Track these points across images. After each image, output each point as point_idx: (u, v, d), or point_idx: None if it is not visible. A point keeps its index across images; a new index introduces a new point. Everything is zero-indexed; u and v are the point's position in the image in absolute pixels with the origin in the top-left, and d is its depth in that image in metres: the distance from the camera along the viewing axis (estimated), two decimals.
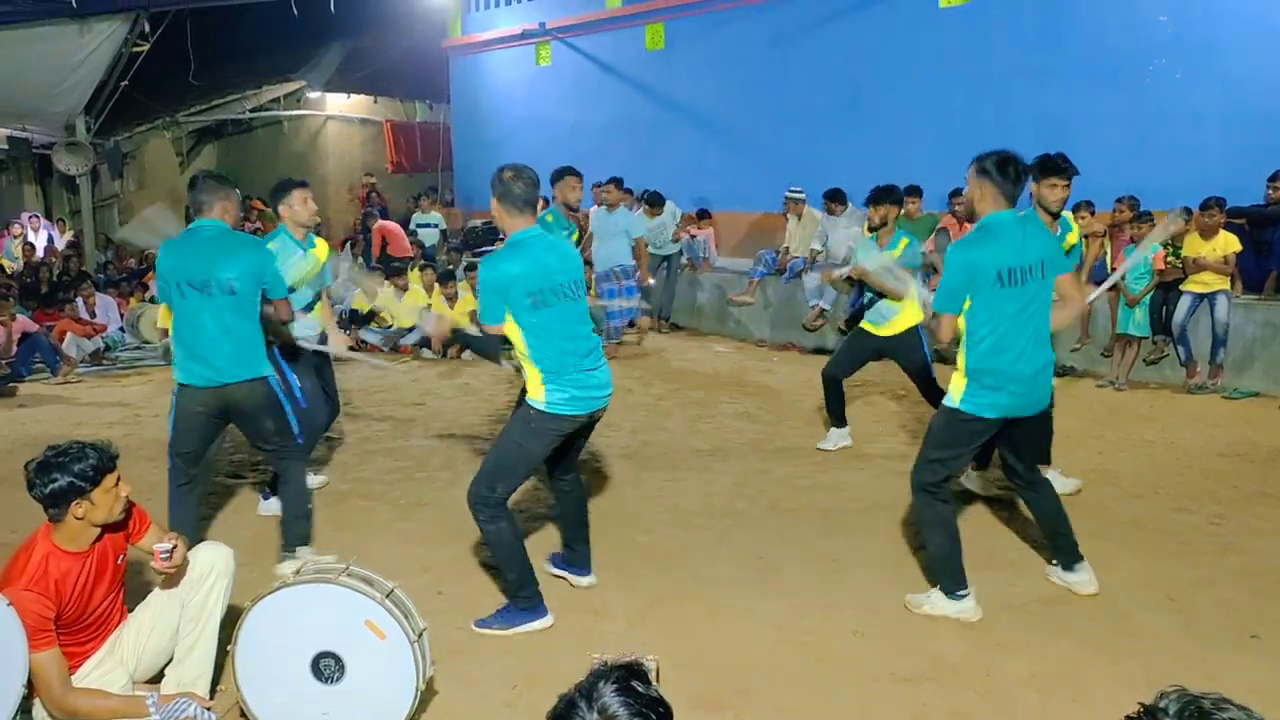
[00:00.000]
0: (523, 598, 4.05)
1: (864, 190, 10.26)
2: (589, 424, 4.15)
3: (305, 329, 5.38)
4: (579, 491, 4.50)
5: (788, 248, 11.26)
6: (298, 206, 5.36)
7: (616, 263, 9.73)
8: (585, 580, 4.46)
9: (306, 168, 19.31)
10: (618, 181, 10.38)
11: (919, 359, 6.14)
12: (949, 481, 4.26)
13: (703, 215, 12.05)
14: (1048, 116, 10.13)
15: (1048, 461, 5.17)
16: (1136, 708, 1.60)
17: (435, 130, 18.66)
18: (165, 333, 10.47)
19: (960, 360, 4.02)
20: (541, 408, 3.91)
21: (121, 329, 11.52)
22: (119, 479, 3.14)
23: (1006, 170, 3.94)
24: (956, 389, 4.02)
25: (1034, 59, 10.25)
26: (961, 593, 4.11)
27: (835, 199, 10.60)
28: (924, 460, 4.13)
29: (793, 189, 11.16)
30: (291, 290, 5.07)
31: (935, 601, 4.16)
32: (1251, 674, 3.58)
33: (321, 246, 5.57)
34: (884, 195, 6.30)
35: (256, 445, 4.75)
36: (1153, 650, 3.80)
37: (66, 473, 2.99)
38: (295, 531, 4.70)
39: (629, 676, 1.60)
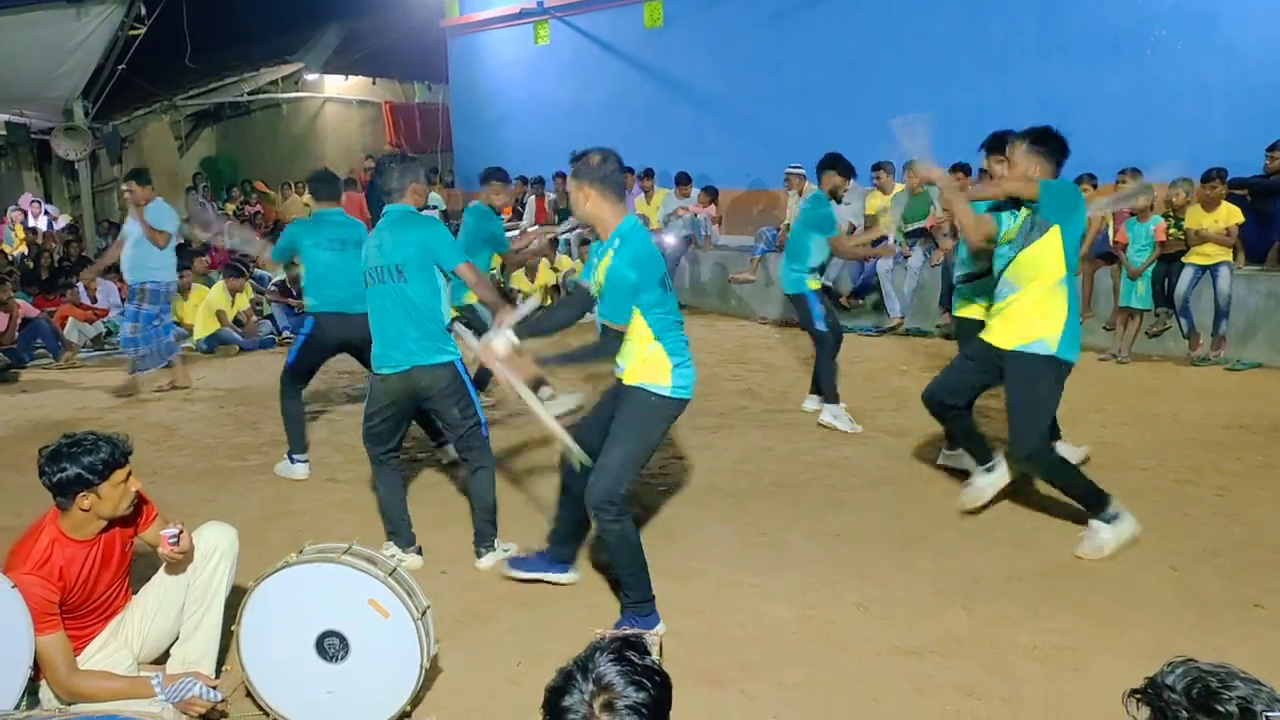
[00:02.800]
0: (645, 604, 3.80)
1: (865, 166, 10.31)
2: None
3: None
4: None
5: (789, 224, 11.21)
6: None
7: None
8: (568, 577, 4.27)
9: (305, 150, 19.28)
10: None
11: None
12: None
13: (709, 192, 11.98)
14: (1049, 92, 10.07)
15: (1057, 435, 5.15)
16: (1142, 681, 1.59)
17: (434, 111, 18.59)
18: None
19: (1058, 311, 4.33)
20: (667, 393, 3.74)
21: (123, 313, 11.50)
22: (130, 474, 3.13)
23: (1050, 143, 4.43)
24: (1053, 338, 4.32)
25: (1034, 34, 10.19)
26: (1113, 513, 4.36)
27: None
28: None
29: (793, 165, 11.11)
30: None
31: (1102, 533, 4.35)
32: (1255, 644, 3.58)
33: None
34: (828, 164, 6.12)
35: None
36: (1156, 621, 3.81)
37: (75, 464, 2.98)
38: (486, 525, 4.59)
39: (625, 647, 1.61)
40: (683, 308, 11.88)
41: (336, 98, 19.02)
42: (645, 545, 4.66)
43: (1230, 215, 7.94)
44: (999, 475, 4.75)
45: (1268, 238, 8.12)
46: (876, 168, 10.08)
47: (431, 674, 3.36)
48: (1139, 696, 1.58)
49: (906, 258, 9.56)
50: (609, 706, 1.55)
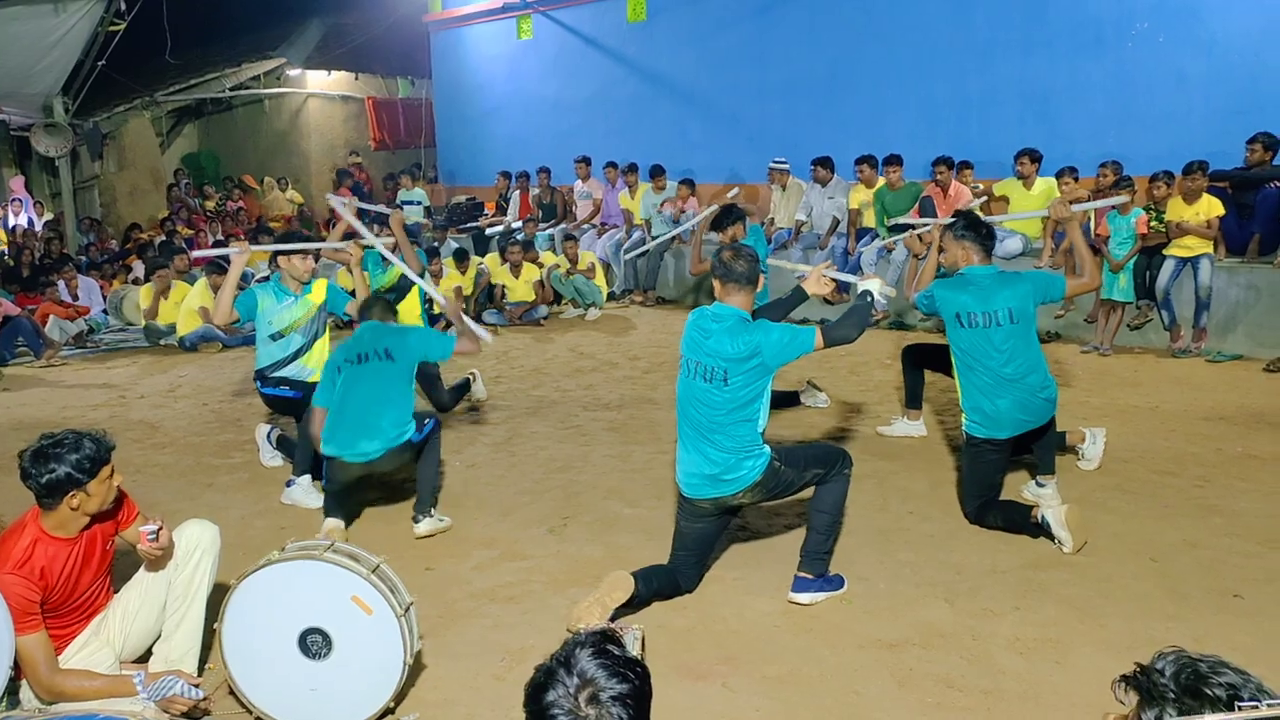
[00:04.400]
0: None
1: (849, 159, 10.34)
2: None
3: (296, 373, 5.62)
4: None
5: (772, 219, 11.24)
6: (297, 262, 5.68)
7: None
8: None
9: (288, 146, 19.16)
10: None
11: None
12: None
13: (687, 185, 11.95)
14: (1031, 84, 10.11)
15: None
16: (1133, 668, 1.61)
17: (417, 106, 18.50)
18: (149, 314, 10.46)
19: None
20: None
21: (105, 311, 11.46)
22: (113, 469, 3.13)
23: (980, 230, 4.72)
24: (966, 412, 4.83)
25: (1017, 27, 10.21)
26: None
27: (824, 166, 10.60)
28: None
29: (776, 160, 11.13)
30: (280, 336, 5.61)
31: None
32: (1234, 634, 3.61)
33: (318, 288, 5.78)
34: (726, 217, 6.21)
35: None
36: (1136, 613, 3.83)
37: (64, 464, 2.97)
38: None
39: (604, 641, 1.63)
40: (666, 302, 11.94)
41: (319, 93, 18.89)
42: (627, 541, 4.69)
43: (1211, 208, 7.98)
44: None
45: (1248, 230, 8.17)
46: (860, 161, 10.09)
47: (415, 670, 3.36)
48: (1128, 682, 1.61)
49: (890, 250, 9.59)
50: (594, 699, 1.56)
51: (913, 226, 7.84)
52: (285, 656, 3.15)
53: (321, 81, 18.84)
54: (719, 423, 3.86)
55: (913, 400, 6.17)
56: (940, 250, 5.10)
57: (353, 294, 5.95)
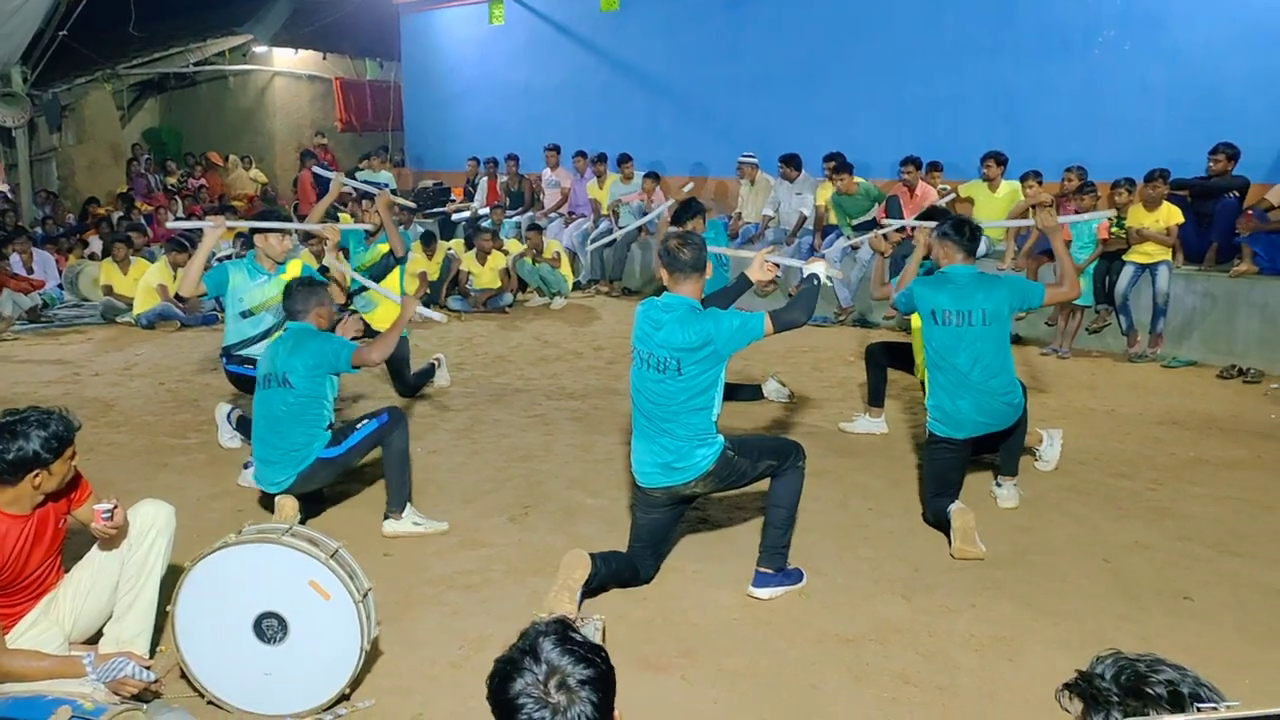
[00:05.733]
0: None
1: (818, 156, 10.37)
2: None
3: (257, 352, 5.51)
4: None
5: (740, 213, 11.26)
6: (274, 241, 5.69)
7: None
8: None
9: (252, 124, 18.91)
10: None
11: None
12: None
13: (652, 178, 11.92)
14: (999, 87, 10.20)
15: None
16: (1074, 674, 1.63)
17: (386, 89, 18.32)
18: (107, 290, 10.29)
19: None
20: None
21: (60, 286, 11.23)
22: (74, 449, 3.08)
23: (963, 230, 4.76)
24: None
25: (986, 30, 10.29)
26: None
27: (791, 164, 10.63)
28: None
29: (745, 154, 11.14)
30: (250, 314, 5.64)
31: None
32: (1183, 635, 3.68)
33: (293, 267, 5.78)
34: (686, 211, 6.21)
35: None
36: (1088, 612, 3.89)
37: (33, 441, 2.92)
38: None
39: (565, 629, 1.63)
40: (632, 293, 11.91)
41: (286, 72, 18.65)
42: (589, 531, 4.69)
43: (1170, 215, 8.10)
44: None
45: (1206, 239, 8.30)
46: (828, 159, 10.12)
47: (372, 657, 3.33)
48: (1070, 690, 1.62)
49: (856, 249, 9.64)
50: (563, 686, 1.56)
51: (900, 227, 7.86)
52: (240, 640, 3.12)
53: (288, 60, 18.60)
54: (672, 412, 3.86)
55: (875, 398, 6.22)
56: (928, 249, 5.14)
57: (324, 270, 5.90)
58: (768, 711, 3.24)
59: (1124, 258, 8.22)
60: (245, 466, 5.36)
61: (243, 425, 5.82)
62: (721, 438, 3.95)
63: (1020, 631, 3.75)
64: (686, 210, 6.27)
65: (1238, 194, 8.25)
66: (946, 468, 4.73)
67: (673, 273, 3.91)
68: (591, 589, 3.87)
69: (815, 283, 4.17)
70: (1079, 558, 4.41)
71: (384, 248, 6.81)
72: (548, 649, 1.57)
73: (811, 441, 6.03)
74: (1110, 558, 4.40)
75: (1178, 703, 1.50)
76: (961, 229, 4.79)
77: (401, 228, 11.41)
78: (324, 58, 18.64)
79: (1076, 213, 8.25)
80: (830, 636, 3.72)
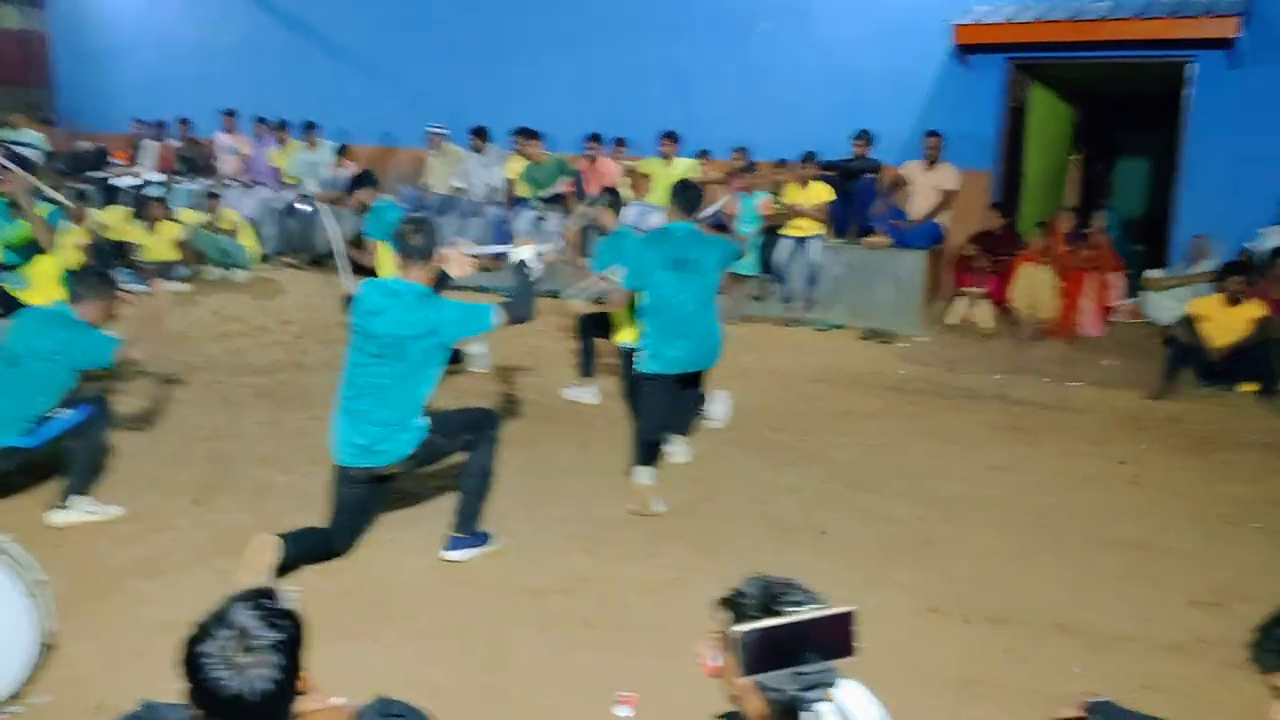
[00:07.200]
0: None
1: (505, 130, 10.56)
2: None
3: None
4: None
5: (428, 184, 11.25)
6: None
7: None
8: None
9: None
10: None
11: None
12: None
13: (343, 152, 11.67)
14: (676, 67, 10.81)
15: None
16: (728, 591, 1.96)
17: (30, 38, 16.48)
18: None
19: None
20: None
21: None
22: None
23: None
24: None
25: (664, 12, 10.87)
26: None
27: (480, 135, 10.76)
28: None
29: (434, 125, 11.13)
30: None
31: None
32: (819, 565, 4.25)
33: None
34: (357, 183, 6.38)
35: None
36: (746, 551, 4.40)
37: None
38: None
39: (258, 596, 1.74)
40: (322, 263, 11.50)
41: None
42: (280, 509, 4.67)
43: (821, 193, 9.02)
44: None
45: (850, 215, 9.31)
46: (517, 132, 10.33)
47: (50, 652, 3.20)
48: (723, 604, 1.95)
49: (542, 220, 9.92)
50: (249, 649, 1.66)
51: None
52: None
53: None
54: (383, 395, 3.91)
55: (585, 369, 6.55)
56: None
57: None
58: (459, 664, 3.46)
59: (780, 232, 9.06)
60: None
61: None
62: (425, 421, 4.04)
63: (689, 573, 4.18)
64: (358, 182, 6.28)
65: (873, 175, 9.33)
66: (661, 400, 5.10)
67: (405, 258, 3.95)
68: (284, 568, 3.89)
69: (525, 270, 4.18)
70: (741, 503, 4.95)
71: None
72: (238, 614, 1.68)
73: (509, 409, 6.30)
74: (765, 500, 4.98)
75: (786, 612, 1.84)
76: (685, 191, 5.20)
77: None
78: None
79: (746, 189, 8.98)
80: (520, 590, 3.99)
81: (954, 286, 9.11)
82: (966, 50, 9.32)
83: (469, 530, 4.25)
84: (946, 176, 9.11)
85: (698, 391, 5.53)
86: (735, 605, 1.91)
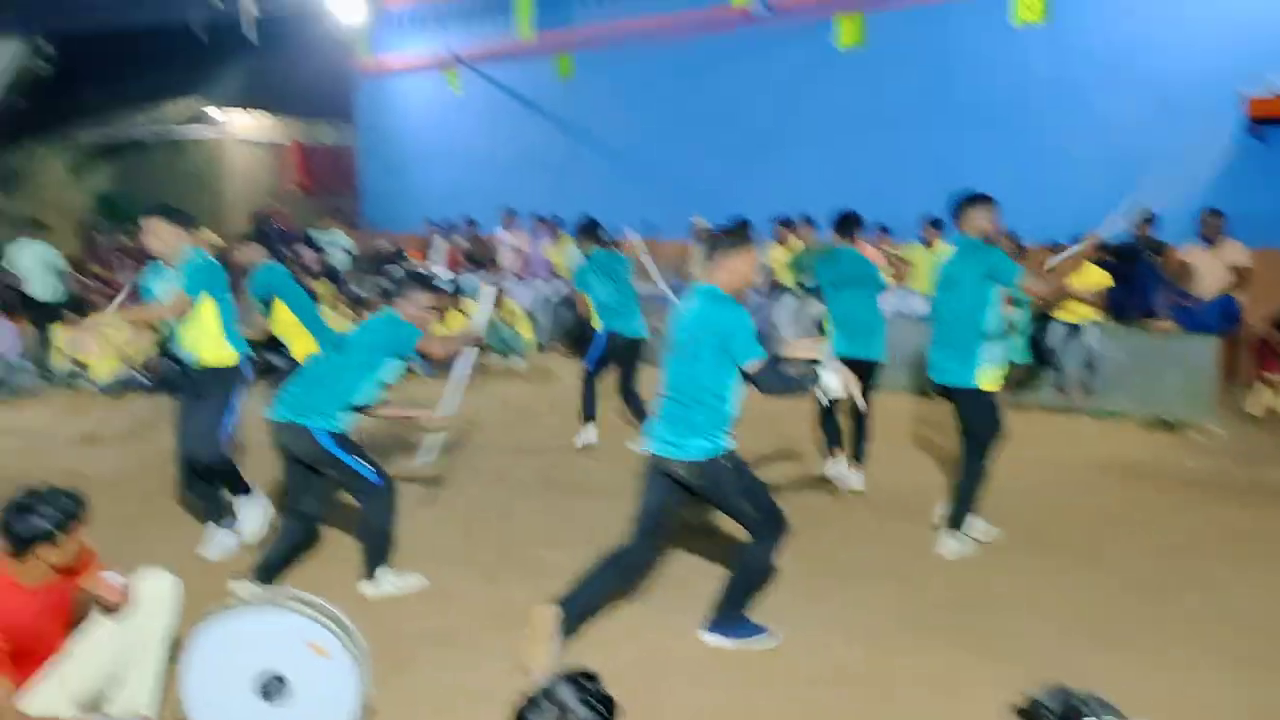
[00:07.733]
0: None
1: (765, 219, 10.81)
2: None
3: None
4: None
5: (692, 272, 11.62)
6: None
7: None
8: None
9: (207, 187, 19.04)
10: None
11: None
12: None
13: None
14: (935, 155, 10.74)
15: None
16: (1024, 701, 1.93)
17: (341, 153, 18.61)
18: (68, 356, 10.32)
19: None
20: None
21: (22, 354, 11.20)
22: (82, 525, 3.29)
23: None
24: None
25: (923, 100, 10.87)
26: None
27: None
28: None
29: (698, 217, 11.53)
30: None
31: None
32: (1110, 676, 4.01)
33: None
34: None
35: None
36: (1025, 653, 4.21)
37: (45, 519, 3.13)
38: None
39: (582, 677, 1.91)
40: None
41: (240, 135, 18.87)
42: (554, 589, 4.90)
43: (1097, 278, 8.58)
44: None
45: (1133, 299, 8.81)
46: (780, 221, 10.55)
47: (367, 716, 3.53)
48: (1021, 714, 1.93)
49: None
50: None
51: None
52: (243, 700, 3.32)
53: (243, 123, 18.82)
54: (692, 394, 4.07)
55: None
56: None
57: None
58: None
59: (1053, 315, 8.68)
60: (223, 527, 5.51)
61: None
62: (727, 445, 4.13)
63: (959, 670, 4.05)
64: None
65: (1156, 256, 8.81)
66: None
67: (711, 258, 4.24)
68: (573, 627, 4.09)
69: (811, 382, 4.13)
70: (1013, 600, 4.76)
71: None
72: (562, 691, 1.85)
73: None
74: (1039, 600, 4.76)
75: None
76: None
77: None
78: (278, 120, 18.90)
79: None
80: (794, 679, 4.00)
81: (1254, 372, 8.39)
82: (1260, 123, 8.71)
83: (730, 621, 4.33)
84: (1236, 253, 8.51)
85: None
86: (1034, 716, 1.88)
